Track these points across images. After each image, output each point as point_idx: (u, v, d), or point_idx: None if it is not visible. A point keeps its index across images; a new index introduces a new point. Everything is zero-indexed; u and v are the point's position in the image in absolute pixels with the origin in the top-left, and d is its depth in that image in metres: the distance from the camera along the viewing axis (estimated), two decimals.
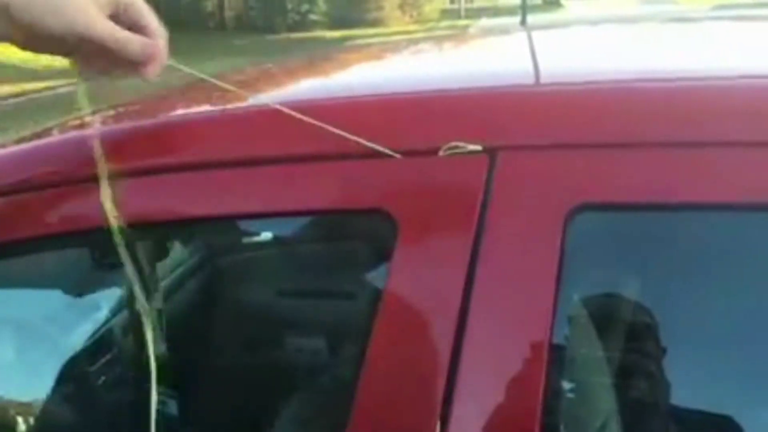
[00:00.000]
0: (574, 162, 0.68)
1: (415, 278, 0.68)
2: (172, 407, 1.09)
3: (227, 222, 0.88)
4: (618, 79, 0.78)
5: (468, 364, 0.65)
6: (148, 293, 1.11)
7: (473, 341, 0.66)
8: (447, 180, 0.69)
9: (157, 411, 1.15)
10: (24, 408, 1.01)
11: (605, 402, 0.75)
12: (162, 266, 1.22)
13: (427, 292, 0.68)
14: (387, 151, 0.69)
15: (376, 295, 0.71)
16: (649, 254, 0.74)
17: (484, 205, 0.67)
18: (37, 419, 1.02)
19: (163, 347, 1.10)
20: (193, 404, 1.13)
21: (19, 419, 0.98)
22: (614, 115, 0.70)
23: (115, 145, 0.75)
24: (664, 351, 0.74)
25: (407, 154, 0.70)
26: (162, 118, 0.95)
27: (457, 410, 0.65)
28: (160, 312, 1.10)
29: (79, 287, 1.15)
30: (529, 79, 0.84)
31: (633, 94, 0.73)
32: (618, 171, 0.67)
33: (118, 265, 1.15)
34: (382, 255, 0.72)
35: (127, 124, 0.91)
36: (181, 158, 0.78)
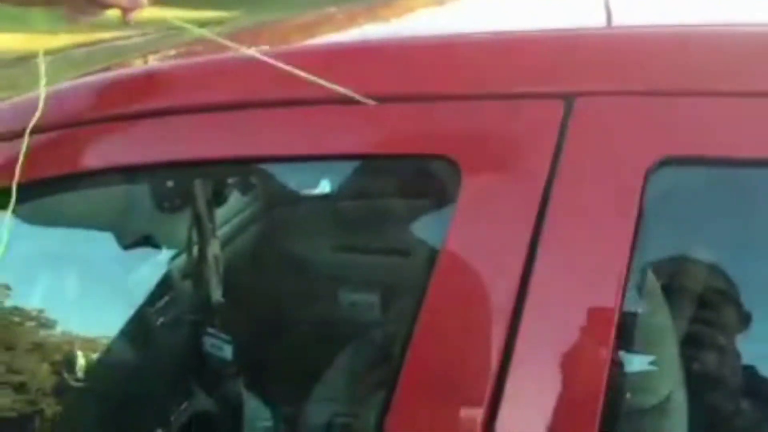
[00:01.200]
0: (659, 111, 0.61)
1: (476, 232, 0.64)
2: (227, 352, 1.09)
3: (283, 166, 0.86)
4: (710, 22, 0.70)
5: (528, 326, 0.61)
6: (207, 238, 1.11)
7: (535, 302, 0.61)
8: (518, 126, 0.64)
9: (213, 347, 1.16)
10: (86, 344, 1.03)
11: (674, 372, 0.70)
12: (221, 213, 1.22)
13: (489, 247, 0.63)
14: (451, 93, 0.65)
15: (435, 248, 0.67)
16: (737, 217, 0.67)
17: (556, 156, 0.62)
18: (98, 357, 1.04)
19: (219, 293, 1.10)
20: (246, 353, 1.14)
21: (81, 355, 1.00)
22: (705, 61, 0.63)
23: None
24: (745, 321, 0.68)
25: (474, 98, 0.65)
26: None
27: (515, 375, 0.61)
28: (216, 258, 1.10)
29: (142, 227, 1.16)
30: (610, 22, 0.77)
31: (727, 38, 0.66)
32: (709, 122, 0.60)
33: (179, 208, 1.16)
34: (443, 205, 0.68)
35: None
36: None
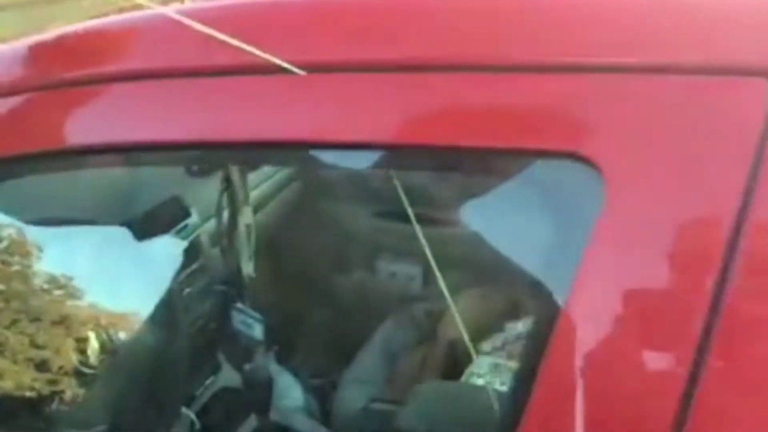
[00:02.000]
0: None
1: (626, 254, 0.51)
2: (256, 331, 1.02)
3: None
4: None
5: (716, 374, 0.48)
6: (239, 206, 1.02)
7: (730, 337, 0.48)
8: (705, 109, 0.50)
9: (243, 323, 1.09)
10: (111, 317, 0.96)
11: None
12: (253, 178, 1.13)
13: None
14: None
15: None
16: None
17: (760, 149, 0.48)
18: (123, 329, 0.98)
19: (250, 267, 1.02)
20: (276, 330, 1.06)
21: (105, 328, 0.93)
22: None
23: None
24: None
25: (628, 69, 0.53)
26: None
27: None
28: (249, 226, 1.01)
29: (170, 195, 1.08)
30: None
31: None
32: None
33: (207, 175, 1.07)
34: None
35: None
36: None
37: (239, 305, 1.01)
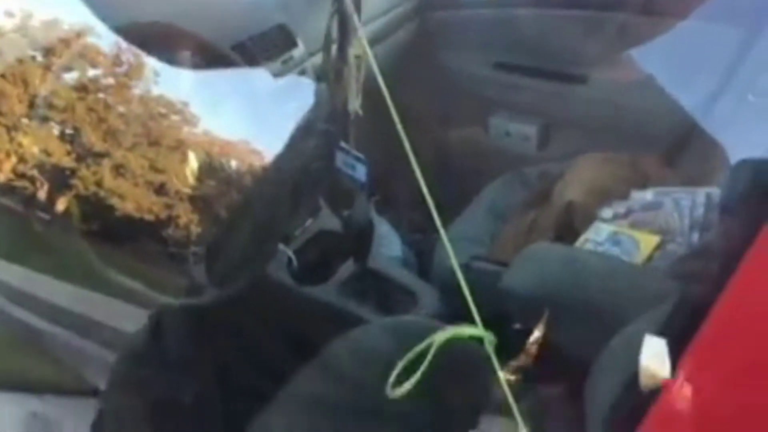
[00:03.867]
0: None
1: None
2: (359, 172, 0.96)
3: None
4: None
5: None
6: (349, 37, 0.93)
7: None
8: None
9: (345, 163, 1.04)
10: (223, 146, 0.93)
11: None
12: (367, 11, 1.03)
13: None
14: None
15: None
16: None
17: None
18: (235, 155, 0.95)
19: (358, 99, 0.95)
20: (380, 175, 1.00)
21: (219, 152, 0.90)
22: None
23: None
24: None
25: None
26: None
27: None
28: (359, 59, 0.92)
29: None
30: None
31: None
32: None
33: None
34: None
35: None
36: None
37: (343, 145, 0.96)
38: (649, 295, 0.63)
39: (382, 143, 1.07)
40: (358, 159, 0.95)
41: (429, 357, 0.63)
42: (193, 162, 0.82)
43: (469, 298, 0.60)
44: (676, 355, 0.44)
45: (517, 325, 0.85)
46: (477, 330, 0.60)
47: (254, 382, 0.81)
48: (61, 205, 0.88)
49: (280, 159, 1.00)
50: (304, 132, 1.02)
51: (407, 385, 0.62)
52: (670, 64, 1.10)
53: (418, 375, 0.62)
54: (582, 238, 0.94)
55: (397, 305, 0.98)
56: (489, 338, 0.60)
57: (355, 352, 0.76)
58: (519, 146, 1.31)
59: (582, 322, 0.74)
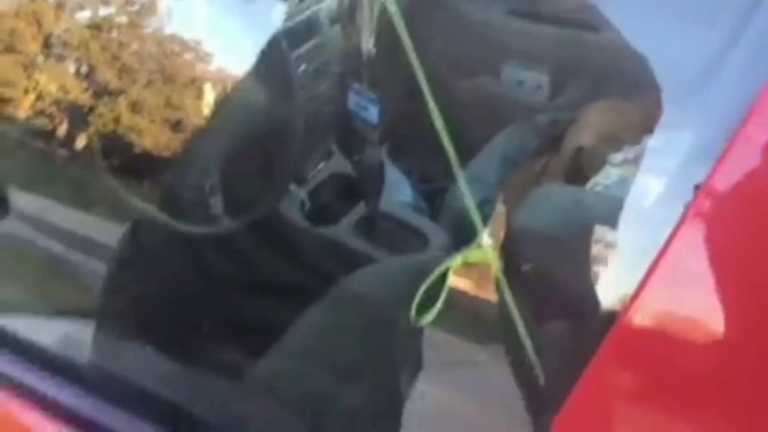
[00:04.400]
0: None
1: None
2: (371, 114, 0.97)
3: None
4: None
5: None
6: None
7: None
8: None
9: (357, 105, 1.04)
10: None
11: None
12: None
13: None
14: None
15: None
16: None
17: None
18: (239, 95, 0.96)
19: (370, 43, 0.95)
20: (392, 119, 1.00)
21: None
22: None
23: None
24: None
25: None
26: None
27: None
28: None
29: None
30: None
31: None
32: None
33: None
34: None
35: None
36: None
37: (356, 85, 0.96)
38: None
39: (395, 87, 1.07)
40: (371, 100, 0.96)
41: (447, 282, 0.65)
42: (209, 96, 0.83)
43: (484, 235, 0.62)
44: None
45: (527, 266, 0.87)
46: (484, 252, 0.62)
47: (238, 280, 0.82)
48: (80, 142, 0.90)
49: (291, 101, 1.01)
50: (316, 74, 1.03)
51: (433, 312, 0.65)
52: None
53: (440, 301, 0.64)
54: (591, 182, 0.95)
55: (408, 246, 1.00)
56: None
57: (369, 285, 0.78)
58: (531, 95, 1.31)
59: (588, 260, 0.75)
